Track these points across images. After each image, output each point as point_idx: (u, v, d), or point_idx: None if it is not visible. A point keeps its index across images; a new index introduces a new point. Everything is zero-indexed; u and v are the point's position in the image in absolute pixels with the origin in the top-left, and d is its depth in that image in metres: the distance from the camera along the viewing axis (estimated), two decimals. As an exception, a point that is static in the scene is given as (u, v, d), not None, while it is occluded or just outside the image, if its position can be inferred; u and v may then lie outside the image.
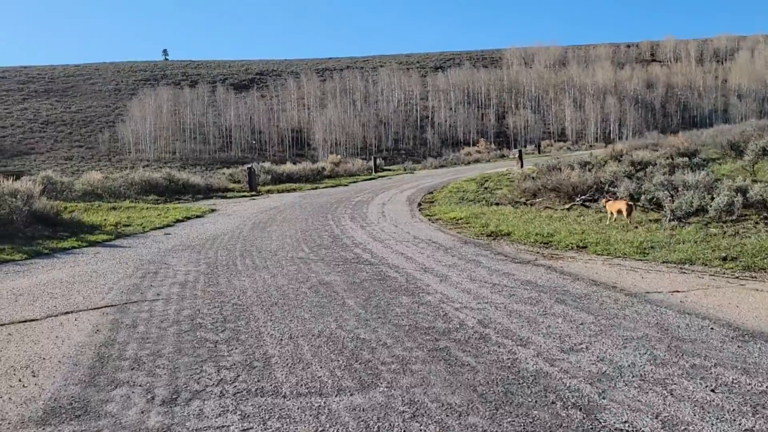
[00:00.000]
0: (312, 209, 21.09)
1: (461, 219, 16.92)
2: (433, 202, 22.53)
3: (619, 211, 14.43)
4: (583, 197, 18.65)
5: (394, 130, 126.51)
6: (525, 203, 20.74)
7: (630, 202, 14.58)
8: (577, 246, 11.95)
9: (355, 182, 35.40)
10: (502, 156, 58.56)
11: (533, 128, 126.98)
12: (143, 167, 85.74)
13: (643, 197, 16.05)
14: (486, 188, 25.76)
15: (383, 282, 9.34)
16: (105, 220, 18.47)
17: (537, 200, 20.98)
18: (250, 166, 32.77)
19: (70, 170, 79.80)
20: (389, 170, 47.08)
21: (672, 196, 15.14)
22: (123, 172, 30.42)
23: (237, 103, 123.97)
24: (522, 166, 29.85)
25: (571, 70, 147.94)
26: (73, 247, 14.19)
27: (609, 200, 15.06)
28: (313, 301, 8.32)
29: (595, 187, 18.95)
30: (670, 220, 13.87)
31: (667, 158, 23.18)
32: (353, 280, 9.52)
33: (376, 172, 42.71)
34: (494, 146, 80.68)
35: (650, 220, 14.48)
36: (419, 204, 21.87)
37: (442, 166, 51.49)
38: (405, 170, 49.15)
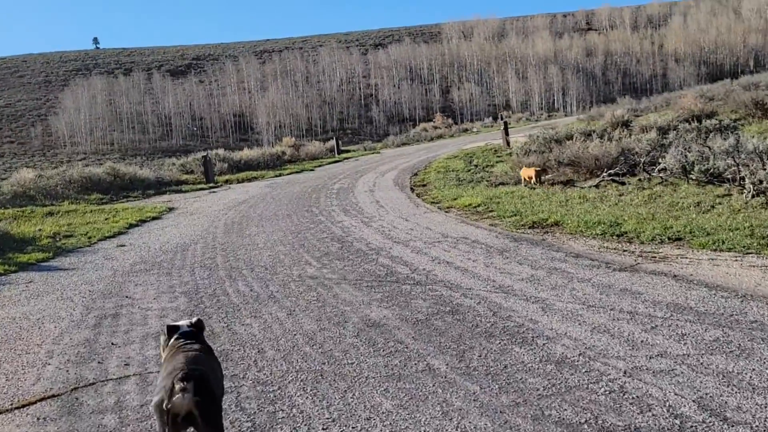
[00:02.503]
0: (289, 201, 17.89)
1: (478, 206, 14.05)
2: (425, 185, 19.56)
3: (530, 177, 16.36)
4: (610, 171, 15.89)
5: (338, 109, 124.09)
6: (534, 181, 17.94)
7: (538, 168, 16.86)
8: (668, 238, 9.12)
9: (320, 166, 32.10)
10: (465, 130, 55.91)
11: (478, 101, 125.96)
12: (80, 160, 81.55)
13: (697, 168, 13.36)
14: (476, 166, 22.90)
15: (460, 317, 6.36)
16: (40, 230, 14.98)
17: (547, 177, 18.20)
18: (205, 154, 29.19)
19: (1, 168, 74.71)
20: (348, 151, 43.96)
21: (738, 165, 12.46)
22: (59, 169, 26.63)
23: (175, 90, 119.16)
24: (508, 140, 27.09)
25: (511, 41, 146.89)
26: (-2, 275, 10.80)
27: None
28: (376, 366, 5.29)
29: (623, 159, 16.20)
30: (753, 196, 11.19)
31: (684, 121, 20.64)
32: (413, 317, 6.51)
33: (339, 153, 39.48)
34: (449, 120, 78.07)
35: (718, 197, 11.79)
36: (411, 188, 18.88)
37: (404, 144, 48.50)
38: (366, 150, 46.05)
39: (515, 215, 12.34)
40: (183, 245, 12.30)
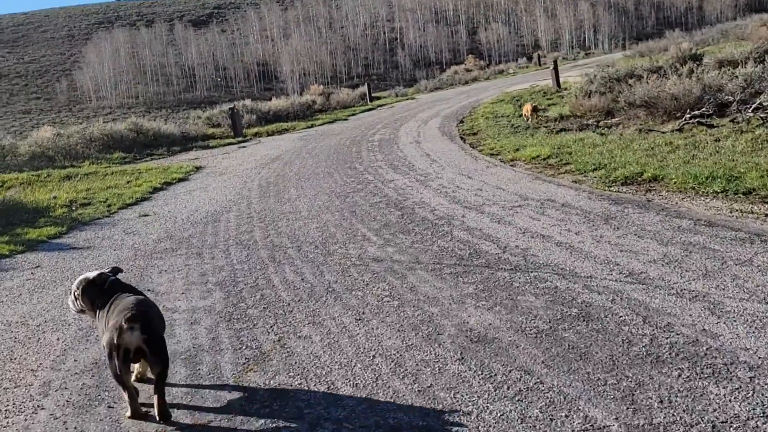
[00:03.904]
0: (327, 156, 16.11)
1: (548, 157, 12.21)
2: (476, 133, 17.63)
3: (528, 114, 17.30)
4: (694, 113, 13.86)
5: (363, 55, 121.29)
6: (598, 125, 15.97)
7: (535, 104, 17.92)
8: (817, 197, 7.26)
9: (353, 115, 30.09)
10: (501, 72, 53.21)
11: (506, 42, 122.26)
12: (106, 115, 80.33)
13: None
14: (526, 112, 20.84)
15: (597, 326, 4.63)
16: (55, 198, 13.41)
17: (613, 120, 16.22)
18: (232, 106, 27.28)
19: (30, 125, 73.98)
20: (379, 98, 41.84)
21: None
22: (78, 126, 24.97)
23: (197, 41, 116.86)
24: (558, 81, 24.92)
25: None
26: (0, 257, 9.20)
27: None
28: (506, 418, 3.58)
29: (709, 98, 14.13)
30: None
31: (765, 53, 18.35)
32: (530, 325, 4.79)
33: (371, 101, 37.38)
34: (482, 62, 75.08)
35: None
36: (462, 138, 16.97)
37: (437, 88, 46.05)
38: (398, 96, 43.84)
39: (599, 168, 10.50)
40: (214, 214, 10.63)
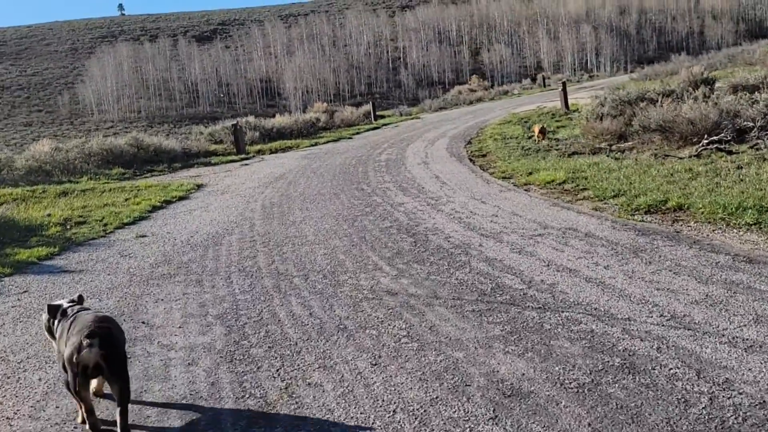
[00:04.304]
0: (333, 176, 15.62)
1: (563, 182, 11.75)
2: (485, 155, 17.17)
3: (537, 134, 18.11)
4: (712, 138, 13.41)
5: (366, 73, 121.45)
6: (611, 149, 15.55)
7: (543, 126, 18.59)
8: None
9: (358, 133, 29.63)
10: (506, 92, 52.89)
11: (509, 63, 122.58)
12: (107, 128, 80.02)
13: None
14: (534, 134, 20.39)
15: (646, 381, 4.14)
16: (49, 215, 12.90)
17: (626, 144, 15.80)
18: (235, 122, 26.80)
19: (31, 137, 73.56)
20: (383, 117, 41.45)
21: None
22: (78, 141, 24.47)
23: (201, 56, 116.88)
24: (567, 103, 24.47)
25: (542, 0, 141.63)
26: (-14, 280, 8.68)
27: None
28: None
29: (727, 124, 13.69)
30: None
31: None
32: (568, 377, 4.27)
33: (375, 119, 36.95)
34: (486, 83, 74.90)
35: None
36: (471, 159, 16.52)
37: (442, 108, 45.71)
38: (402, 115, 43.47)
39: (619, 195, 10.03)
40: (215, 236, 10.11)
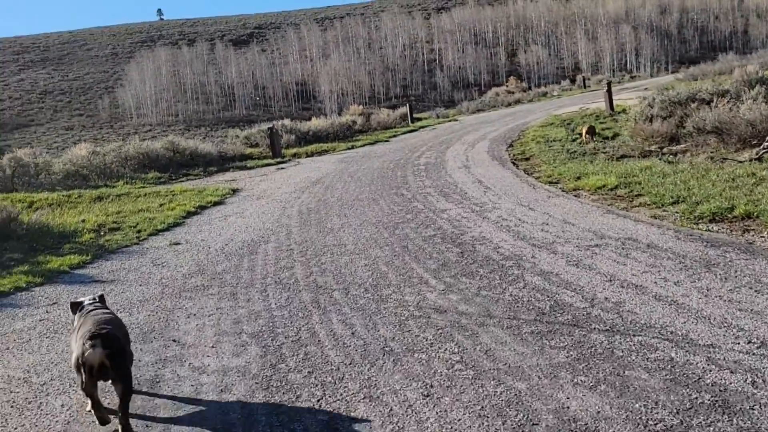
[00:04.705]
0: (371, 181, 15.14)
1: (615, 187, 11.16)
2: (528, 158, 16.57)
3: (583, 134, 17.71)
4: (773, 141, 12.67)
5: (401, 76, 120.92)
6: (662, 152, 14.86)
7: (590, 126, 18.35)
8: None
9: (395, 136, 29.11)
10: (545, 94, 51.95)
11: (546, 64, 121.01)
12: (146, 132, 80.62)
13: None
14: (581, 134, 19.71)
15: None
16: (83, 221, 12.63)
17: (678, 147, 15.10)
18: (271, 126, 26.44)
19: (72, 141, 74.42)
20: (419, 119, 40.87)
21: None
22: (115, 144, 24.34)
23: (238, 60, 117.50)
24: (612, 104, 23.66)
25: (580, 0, 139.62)
26: (16, 290, 8.33)
27: None
28: None
29: (791, 124, 12.94)
30: None
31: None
32: (655, 418, 3.72)
33: (412, 122, 36.38)
34: (524, 84, 73.98)
35: None
36: (514, 163, 15.92)
37: (479, 110, 45.01)
38: (438, 117, 42.85)
39: (678, 202, 9.42)
40: (250, 244, 9.70)
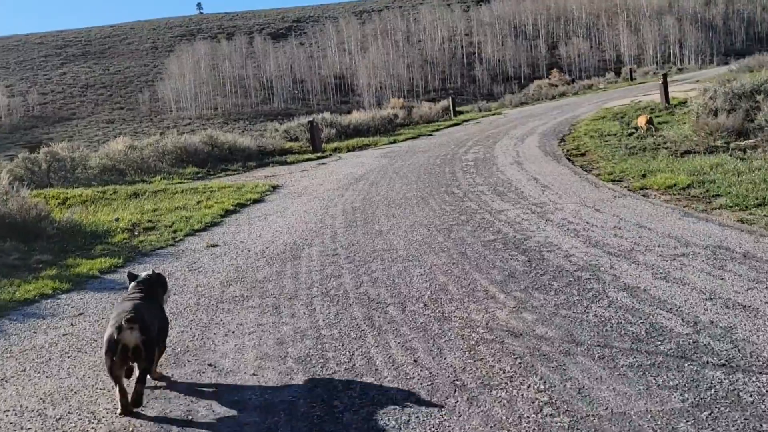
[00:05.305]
0: (417, 177, 14.35)
1: (687, 186, 10.22)
2: (583, 153, 15.63)
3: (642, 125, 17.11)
4: None
5: (440, 69, 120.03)
6: (729, 147, 13.83)
7: (649, 117, 17.69)
8: None
9: (438, 130, 28.23)
10: (590, 86, 50.59)
11: (587, 57, 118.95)
12: (185, 125, 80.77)
13: None
14: (636, 128, 18.64)
15: None
16: (117, 220, 12.05)
17: (747, 142, 14.07)
18: (311, 119, 25.76)
19: (112, 134, 74.93)
20: (461, 113, 39.91)
21: None
22: (152, 139, 23.85)
23: (276, 53, 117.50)
24: (667, 97, 22.50)
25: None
26: (41, 297, 7.72)
27: None
28: None
29: None
30: None
31: None
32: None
33: (455, 115, 35.47)
34: (567, 77, 72.41)
35: None
36: (568, 158, 15.00)
37: (523, 103, 43.87)
38: (481, 110, 41.89)
39: (765, 204, 8.47)
40: (293, 247, 8.98)
